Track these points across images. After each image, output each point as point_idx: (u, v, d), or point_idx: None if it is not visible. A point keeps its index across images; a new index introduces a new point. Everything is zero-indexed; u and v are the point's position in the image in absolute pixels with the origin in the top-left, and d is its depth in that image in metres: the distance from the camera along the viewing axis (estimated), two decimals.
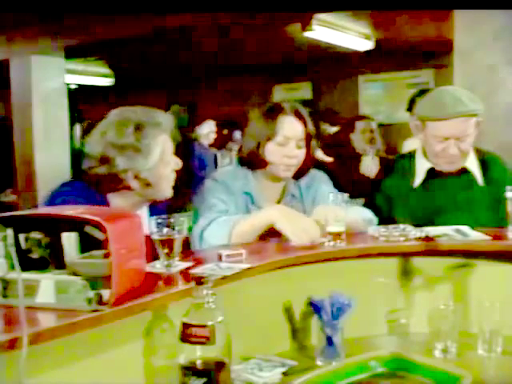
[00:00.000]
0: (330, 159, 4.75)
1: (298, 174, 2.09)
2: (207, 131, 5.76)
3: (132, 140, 1.75)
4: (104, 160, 1.76)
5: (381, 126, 4.67)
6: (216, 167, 5.41)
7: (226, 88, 8.07)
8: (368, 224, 1.98)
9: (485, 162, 2.17)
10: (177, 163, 1.87)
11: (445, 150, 2.06)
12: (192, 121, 7.37)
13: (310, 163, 2.09)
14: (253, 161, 2.04)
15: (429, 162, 2.16)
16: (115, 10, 4.12)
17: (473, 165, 2.15)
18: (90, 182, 1.80)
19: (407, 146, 3.78)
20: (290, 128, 2.00)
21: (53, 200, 1.78)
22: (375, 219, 2.05)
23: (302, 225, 1.76)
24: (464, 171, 2.14)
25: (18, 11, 4.26)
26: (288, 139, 2.00)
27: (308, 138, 2.04)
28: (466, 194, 2.13)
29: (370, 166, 3.94)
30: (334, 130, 6.08)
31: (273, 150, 2.00)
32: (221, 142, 5.81)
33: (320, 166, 2.33)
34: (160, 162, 1.80)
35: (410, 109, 3.80)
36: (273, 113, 2.02)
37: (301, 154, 2.03)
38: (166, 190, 1.85)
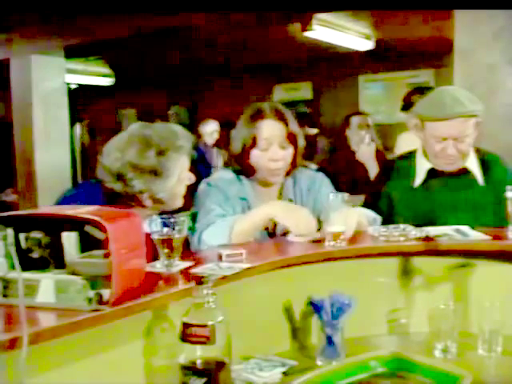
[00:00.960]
0: (314, 167, 4.73)
1: (288, 172, 2.08)
2: (211, 130, 5.75)
3: (153, 163, 1.75)
4: (120, 177, 1.76)
5: (381, 125, 4.65)
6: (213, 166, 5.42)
7: (226, 88, 8.06)
8: (372, 223, 1.98)
9: (485, 162, 2.17)
10: (190, 179, 1.87)
11: (443, 151, 2.06)
12: (193, 121, 7.36)
13: (297, 162, 2.08)
14: (241, 168, 2.05)
15: (429, 162, 2.16)
16: (115, 10, 4.12)
17: (473, 165, 2.15)
18: (105, 192, 1.81)
19: (401, 140, 3.71)
20: (269, 130, 1.99)
21: (64, 202, 1.78)
22: (379, 218, 2.05)
23: (302, 216, 1.81)
24: (464, 171, 2.14)
25: (18, 11, 4.26)
26: (269, 142, 1.99)
27: (291, 136, 2.03)
28: (467, 194, 2.13)
29: (366, 153, 3.87)
30: (314, 131, 6.06)
31: (257, 156, 2.00)
32: (221, 142, 5.80)
33: (320, 167, 2.32)
34: (176, 182, 1.81)
35: (404, 108, 3.75)
36: (252, 119, 2.01)
37: (287, 154, 2.02)
38: (177, 203, 1.87)
